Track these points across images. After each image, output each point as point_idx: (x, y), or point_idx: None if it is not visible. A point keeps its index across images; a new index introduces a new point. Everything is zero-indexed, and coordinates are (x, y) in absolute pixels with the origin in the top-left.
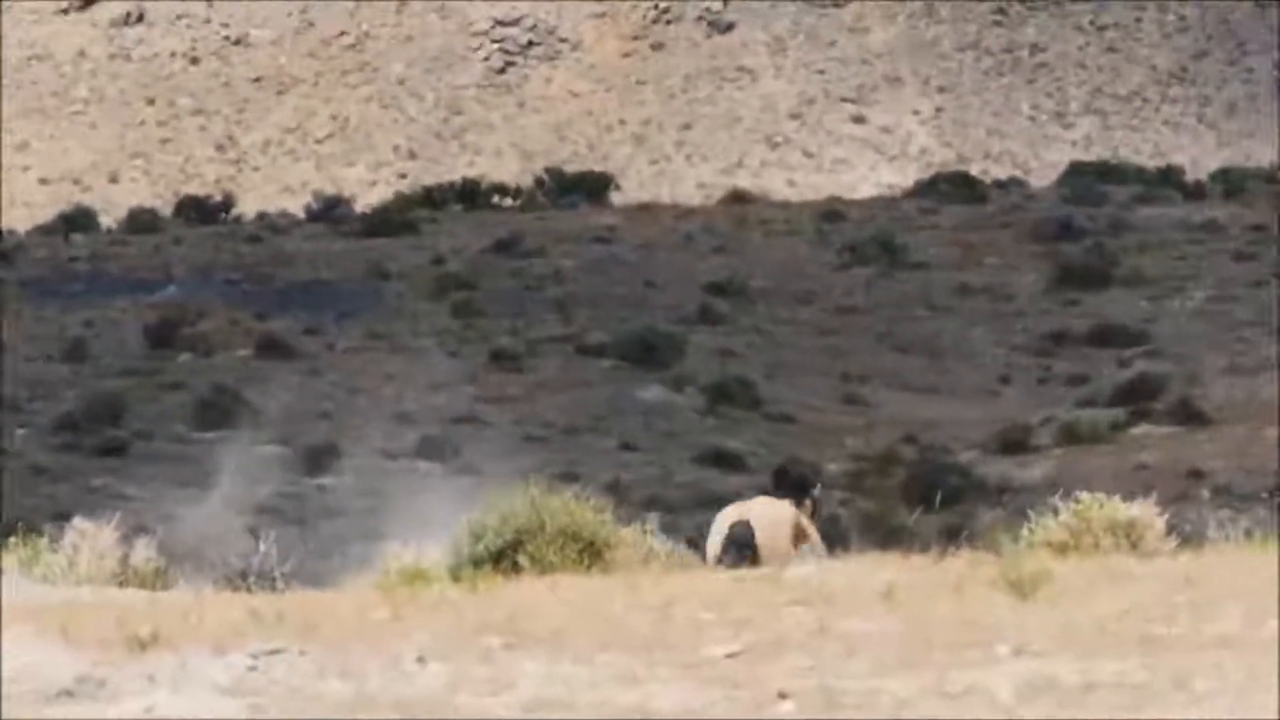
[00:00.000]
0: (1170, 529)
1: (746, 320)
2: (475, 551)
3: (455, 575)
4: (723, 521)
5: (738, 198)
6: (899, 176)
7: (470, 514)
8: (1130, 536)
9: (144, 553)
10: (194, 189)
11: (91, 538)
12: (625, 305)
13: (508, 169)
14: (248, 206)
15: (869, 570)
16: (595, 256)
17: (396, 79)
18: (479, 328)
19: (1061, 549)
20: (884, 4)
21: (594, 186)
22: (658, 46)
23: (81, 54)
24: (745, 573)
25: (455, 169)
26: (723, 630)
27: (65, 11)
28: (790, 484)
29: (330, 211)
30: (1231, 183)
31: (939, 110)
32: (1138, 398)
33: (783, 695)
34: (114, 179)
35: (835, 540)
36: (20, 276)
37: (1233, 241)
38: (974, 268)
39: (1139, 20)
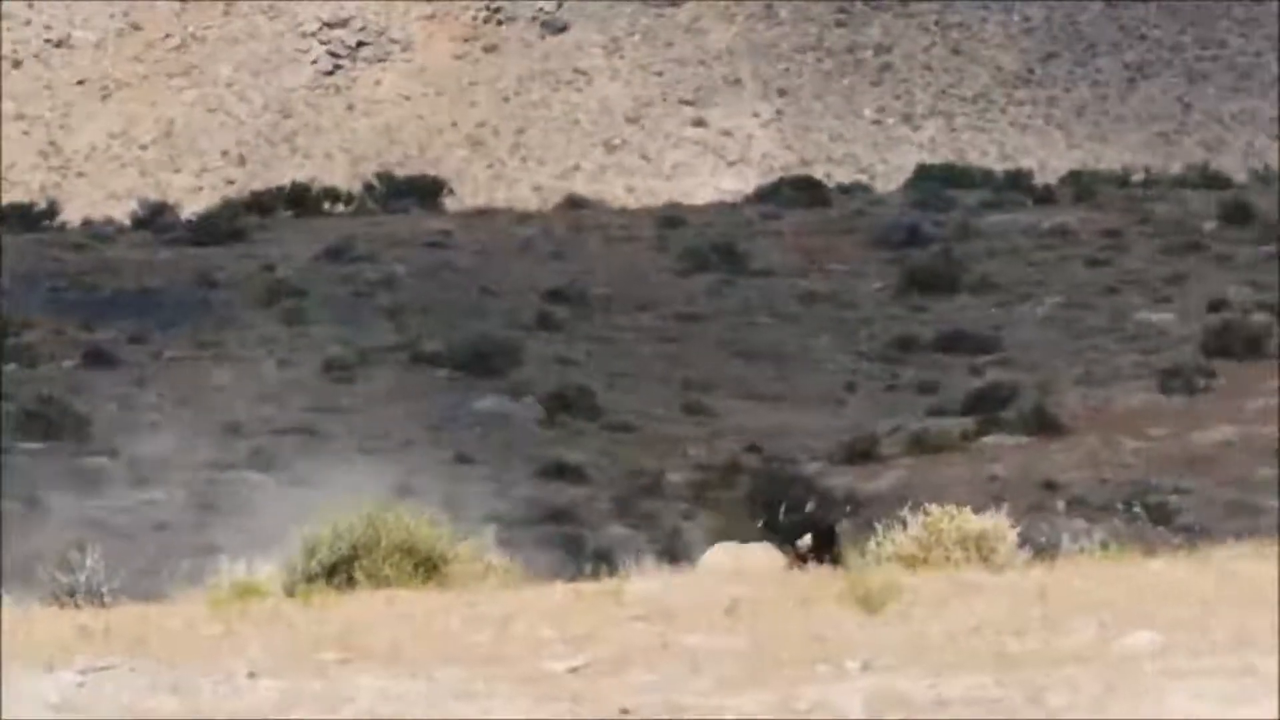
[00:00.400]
0: (1023, 541)
1: (585, 328)
2: (309, 566)
3: (289, 590)
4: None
5: (575, 203)
6: (740, 181)
7: (304, 527)
8: (982, 549)
9: None
10: (17, 196)
11: None
12: (461, 313)
13: (338, 173)
14: (72, 214)
15: (713, 584)
16: (429, 263)
17: (224, 82)
18: (310, 336)
19: (911, 562)
20: (722, 4)
21: (426, 191)
22: (490, 48)
23: None
24: (587, 586)
25: (284, 173)
26: (563, 645)
27: None
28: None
29: (156, 218)
30: (1082, 186)
31: (780, 113)
32: (989, 406)
33: (625, 712)
34: None
35: (679, 553)
36: None
37: (1084, 247)
38: (818, 274)
39: (984, 20)
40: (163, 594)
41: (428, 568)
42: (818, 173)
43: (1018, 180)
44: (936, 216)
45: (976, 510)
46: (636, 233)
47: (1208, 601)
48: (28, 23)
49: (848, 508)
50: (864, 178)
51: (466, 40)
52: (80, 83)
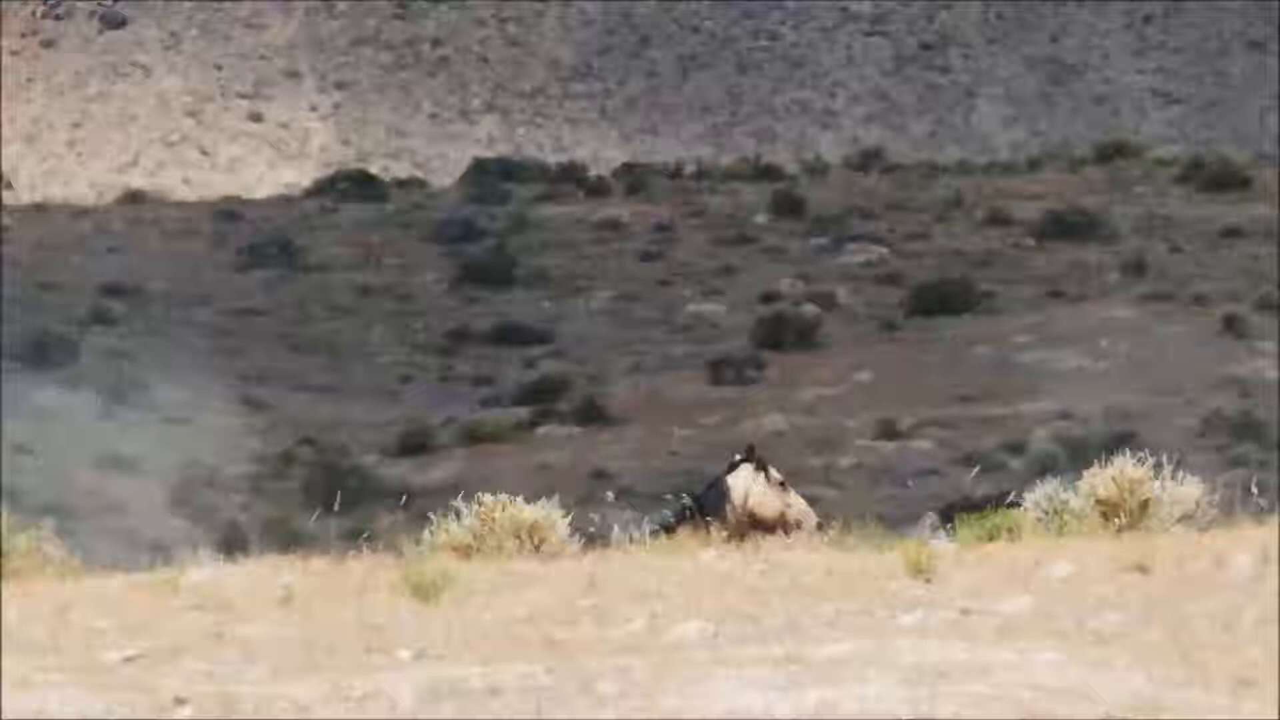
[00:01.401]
0: (574, 531)
1: (142, 322)
2: None
3: None
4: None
5: (133, 197)
6: (298, 175)
7: None
8: (534, 538)
9: None
10: None
11: None
12: (18, 307)
13: None
14: None
15: (268, 574)
16: None
17: None
18: None
19: (465, 552)
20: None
21: None
22: (48, 43)
23: None
24: (144, 577)
25: None
26: (119, 635)
27: None
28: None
29: None
30: (635, 179)
31: (338, 106)
32: (541, 398)
33: (180, 700)
34: None
35: (235, 544)
36: None
37: (636, 240)
38: (374, 268)
39: (541, 15)
40: None
41: None
42: (375, 167)
43: (571, 173)
44: (492, 210)
45: (529, 500)
46: (194, 227)
47: (755, 591)
48: None
49: (402, 498)
50: (420, 172)
51: (24, 36)
52: None
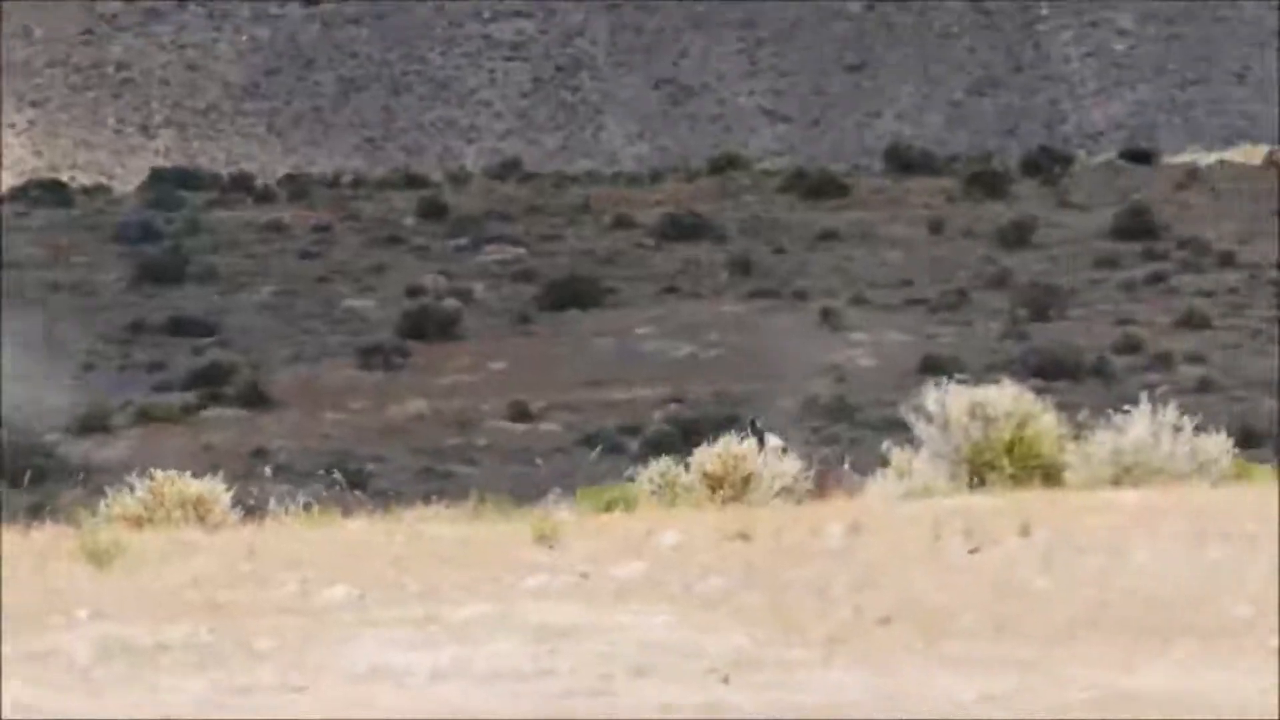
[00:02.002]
0: (236, 503)
1: None
2: None
3: None
4: None
5: None
6: None
7: None
8: (199, 510)
9: None
10: None
11: None
12: None
13: None
14: None
15: None
16: None
17: None
18: None
19: (138, 523)
20: None
21: None
22: None
23: None
24: None
25: None
26: None
27: None
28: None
29: None
30: (297, 187)
31: (31, 123)
32: (209, 383)
33: None
34: None
35: None
36: None
37: (297, 242)
38: (62, 266)
39: (216, 40)
40: None
41: None
42: (64, 176)
43: (241, 182)
44: (168, 215)
45: (196, 476)
46: None
47: (398, 559)
48: None
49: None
50: (105, 180)
51: None
52: None
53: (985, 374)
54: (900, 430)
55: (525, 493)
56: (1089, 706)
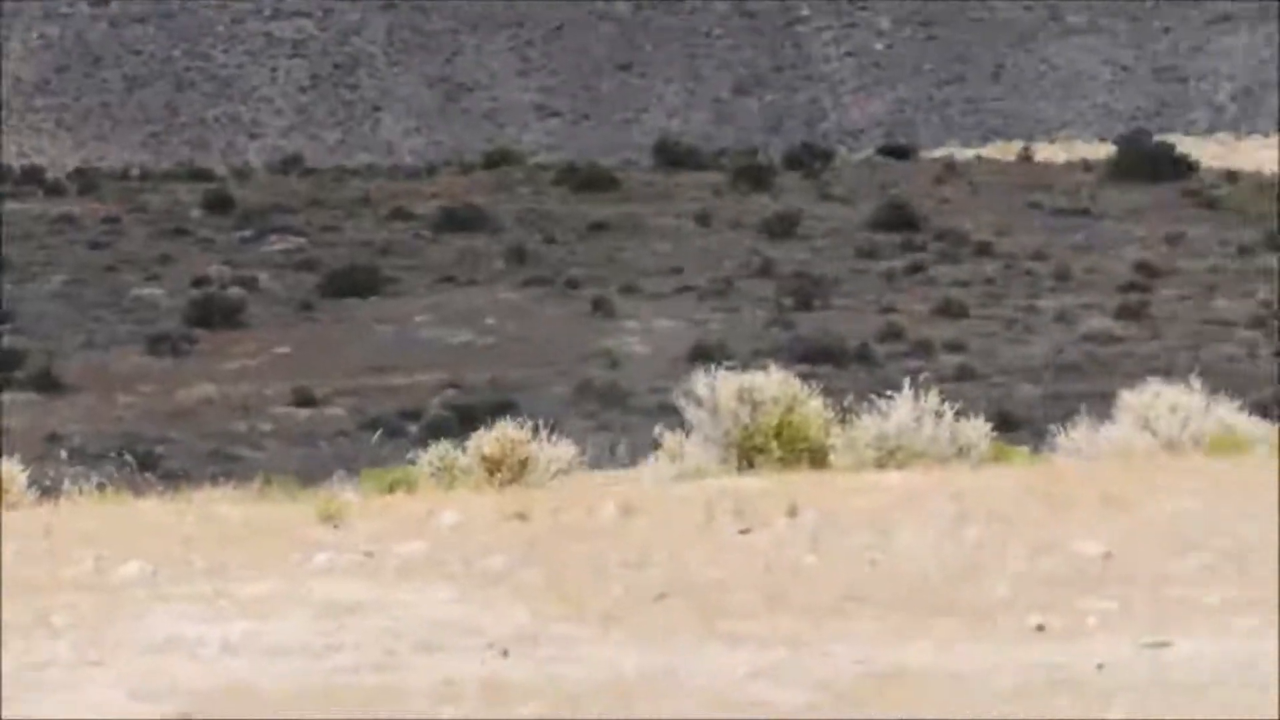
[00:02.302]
0: (31, 484)
1: None
2: None
3: None
4: None
5: None
6: None
7: None
8: None
9: None
10: None
11: None
12: None
13: None
14: None
15: None
16: None
17: None
18: None
19: None
20: None
21: None
22: None
23: None
24: None
25: None
26: None
27: None
28: None
29: None
30: (87, 180)
31: None
32: (3, 369)
33: None
34: None
35: None
36: None
37: (88, 232)
38: None
39: (6, 39)
40: None
41: None
42: None
43: (32, 175)
44: None
45: None
46: None
47: (189, 537)
48: None
49: None
50: None
51: None
52: None
53: (753, 360)
54: (672, 415)
55: (310, 475)
56: (857, 680)
